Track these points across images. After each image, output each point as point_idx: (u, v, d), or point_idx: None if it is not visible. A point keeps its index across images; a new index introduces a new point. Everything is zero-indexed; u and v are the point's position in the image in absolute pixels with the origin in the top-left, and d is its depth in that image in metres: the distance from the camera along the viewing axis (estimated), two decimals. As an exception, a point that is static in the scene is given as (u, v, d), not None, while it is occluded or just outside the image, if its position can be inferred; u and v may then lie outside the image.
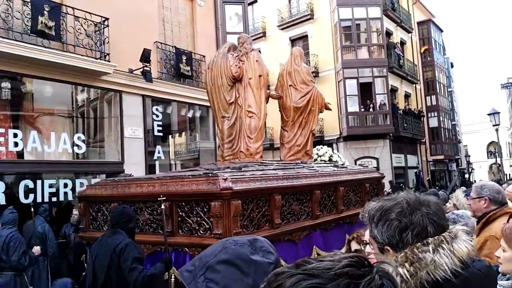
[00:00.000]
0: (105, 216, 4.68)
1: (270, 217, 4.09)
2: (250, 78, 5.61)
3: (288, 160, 6.25)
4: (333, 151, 11.28)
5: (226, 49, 5.84)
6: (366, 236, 2.47)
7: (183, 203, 3.90)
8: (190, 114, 12.43)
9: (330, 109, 6.86)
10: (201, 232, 3.74)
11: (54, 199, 8.77)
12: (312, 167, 5.63)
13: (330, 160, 9.01)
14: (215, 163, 5.72)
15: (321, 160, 8.30)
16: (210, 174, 3.84)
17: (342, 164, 8.03)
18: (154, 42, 10.93)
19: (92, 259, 3.92)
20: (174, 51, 11.43)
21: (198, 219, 3.78)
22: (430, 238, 1.25)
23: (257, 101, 5.64)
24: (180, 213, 3.91)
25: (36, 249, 6.21)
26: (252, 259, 1.00)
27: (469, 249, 1.27)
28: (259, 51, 23.55)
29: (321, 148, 10.19)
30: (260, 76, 5.68)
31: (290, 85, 6.42)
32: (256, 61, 5.69)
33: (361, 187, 5.97)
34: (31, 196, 8.29)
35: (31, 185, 8.39)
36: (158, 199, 3.74)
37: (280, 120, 6.61)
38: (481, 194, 3.24)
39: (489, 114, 17.74)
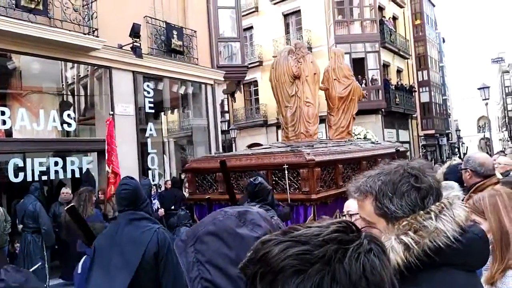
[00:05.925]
0: (209, 183, 6.33)
1: (335, 180, 5.82)
2: (307, 76, 7.13)
3: (335, 139, 7.95)
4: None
5: (287, 53, 7.34)
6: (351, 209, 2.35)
7: (277, 171, 5.51)
8: (182, 91, 12.23)
9: (366, 97, 8.27)
10: (292, 190, 5.31)
11: (44, 177, 8.66)
12: (357, 143, 7.36)
13: (365, 138, 9.80)
14: (283, 142, 7.26)
15: (357, 138, 9.17)
16: (295, 150, 5.59)
17: (376, 141, 9.61)
18: (144, 17, 10.65)
19: None
20: (164, 26, 11.16)
21: (289, 181, 5.30)
22: (432, 206, 1.25)
23: (312, 94, 7.21)
24: (274, 178, 5.49)
25: (161, 211, 7.61)
26: (238, 232, 0.96)
27: (467, 214, 1.29)
28: (252, 27, 22.91)
29: (356, 128, 10.80)
30: (315, 74, 7.29)
31: (335, 79, 8.08)
32: (311, 62, 7.34)
33: (392, 159, 6.92)
34: (21, 174, 8.10)
35: (20, 163, 8.24)
36: (283, 166, 5.30)
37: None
38: (466, 166, 3.27)
39: (479, 89, 17.94)
